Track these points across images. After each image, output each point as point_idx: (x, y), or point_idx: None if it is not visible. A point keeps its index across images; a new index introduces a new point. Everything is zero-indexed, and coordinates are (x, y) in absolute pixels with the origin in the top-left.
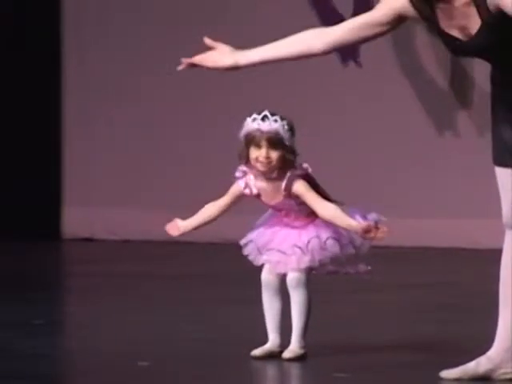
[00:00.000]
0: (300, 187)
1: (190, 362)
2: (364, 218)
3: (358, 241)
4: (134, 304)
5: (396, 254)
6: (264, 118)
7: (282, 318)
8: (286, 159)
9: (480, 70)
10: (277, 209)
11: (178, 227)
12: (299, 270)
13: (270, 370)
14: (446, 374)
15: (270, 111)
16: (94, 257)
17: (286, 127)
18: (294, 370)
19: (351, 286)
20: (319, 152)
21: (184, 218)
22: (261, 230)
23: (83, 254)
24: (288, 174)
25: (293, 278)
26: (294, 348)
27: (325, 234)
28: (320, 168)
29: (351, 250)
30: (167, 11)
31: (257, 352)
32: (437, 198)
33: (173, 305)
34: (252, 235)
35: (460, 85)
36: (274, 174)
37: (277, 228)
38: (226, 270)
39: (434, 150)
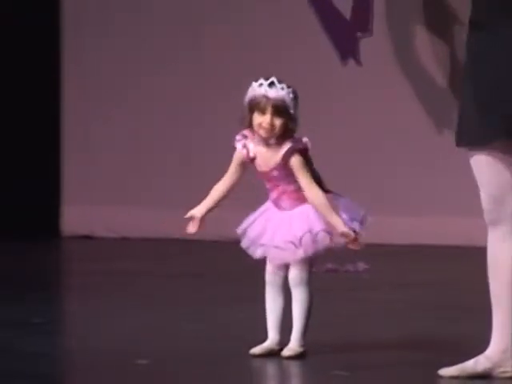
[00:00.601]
0: (297, 162)
1: (189, 361)
2: (350, 220)
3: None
4: (134, 302)
5: (396, 252)
6: (271, 85)
7: (283, 317)
8: (288, 127)
9: None
10: (267, 178)
11: (194, 218)
12: (301, 269)
13: (270, 368)
14: (445, 372)
15: (276, 78)
16: (94, 255)
17: (291, 95)
18: (294, 368)
19: (351, 285)
20: (318, 149)
21: (183, 216)
22: (251, 219)
23: (82, 251)
24: (289, 145)
25: (295, 276)
26: (293, 346)
27: (316, 226)
28: (319, 165)
29: (342, 241)
30: (167, 11)
31: (256, 350)
32: (437, 196)
33: (172, 303)
34: (245, 225)
35: (458, 82)
36: (273, 141)
37: (267, 215)
38: (226, 268)
39: (433, 147)
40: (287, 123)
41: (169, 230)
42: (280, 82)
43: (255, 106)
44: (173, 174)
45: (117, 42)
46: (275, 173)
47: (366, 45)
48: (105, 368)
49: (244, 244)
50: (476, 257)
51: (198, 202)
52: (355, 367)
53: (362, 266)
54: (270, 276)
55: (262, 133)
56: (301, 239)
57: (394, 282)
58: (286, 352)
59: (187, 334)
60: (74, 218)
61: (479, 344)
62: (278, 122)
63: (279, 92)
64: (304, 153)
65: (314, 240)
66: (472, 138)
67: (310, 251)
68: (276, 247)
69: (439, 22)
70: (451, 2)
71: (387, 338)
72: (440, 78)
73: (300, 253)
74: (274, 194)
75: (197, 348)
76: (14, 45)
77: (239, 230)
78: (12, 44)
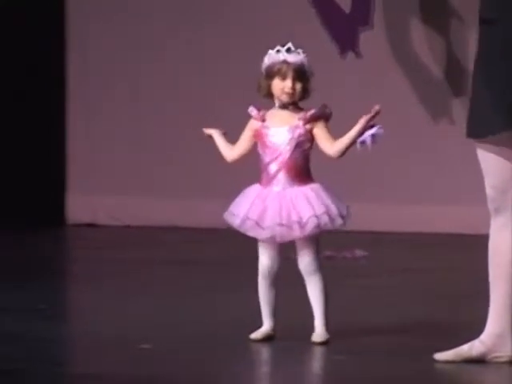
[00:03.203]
0: (323, 125)
1: (190, 345)
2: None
3: (344, 211)
4: (136, 288)
5: (396, 239)
6: (289, 50)
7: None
8: (307, 91)
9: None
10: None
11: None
12: (312, 256)
13: (269, 353)
14: (440, 356)
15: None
16: (97, 242)
17: (307, 59)
18: (293, 353)
19: (350, 271)
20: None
21: (185, 205)
22: (248, 202)
23: (86, 239)
24: (321, 109)
25: (309, 264)
26: (321, 332)
27: (318, 209)
28: (316, 155)
29: (339, 222)
30: (167, 11)
31: (254, 335)
32: (434, 185)
33: (174, 290)
34: (242, 211)
35: (454, 75)
36: (291, 106)
37: (262, 196)
38: (225, 254)
39: (431, 137)
40: (306, 86)
41: (170, 218)
42: (296, 47)
43: (276, 72)
44: (174, 163)
45: (118, 37)
46: (287, 135)
47: (365, 38)
48: (109, 352)
49: (246, 229)
50: (475, 245)
51: (199, 192)
52: (354, 352)
53: (359, 252)
54: (265, 268)
55: (285, 98)
56: (307, 222)
57: (393, 269)
58: (316, 338)
59: (189, 319)
60: (79, 207)
61: (478, 330)
62: (298, 86)
63: (297, 56)
64: (327, 120)
65: (318, 223)
66: (483, 129)
67: (315, 232)
68: (282, 225)
69: (437, 16)
70: None
71: (386, 324)
72: (437, 71)
73: (305, 231)
74: (271, 169)
75: (198, 333)
76: (18, 41)
77: (237, 221)
78: (16, 41)
